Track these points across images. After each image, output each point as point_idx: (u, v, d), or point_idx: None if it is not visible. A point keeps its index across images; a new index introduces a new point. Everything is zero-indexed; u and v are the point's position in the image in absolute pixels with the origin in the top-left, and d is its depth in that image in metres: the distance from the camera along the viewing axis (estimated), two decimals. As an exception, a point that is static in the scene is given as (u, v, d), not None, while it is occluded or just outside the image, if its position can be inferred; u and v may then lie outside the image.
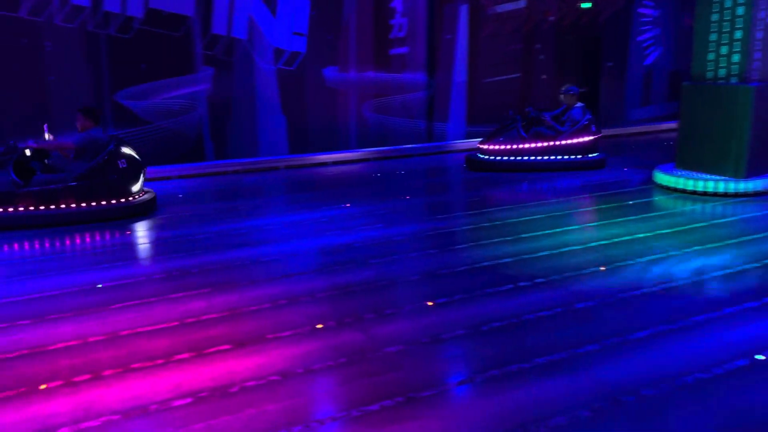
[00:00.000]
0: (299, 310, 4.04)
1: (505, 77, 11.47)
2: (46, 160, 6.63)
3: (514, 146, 8.80)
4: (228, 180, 8.92)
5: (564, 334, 3.60)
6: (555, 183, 7.99)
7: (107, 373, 3.25)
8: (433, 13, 10.79)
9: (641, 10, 12.36)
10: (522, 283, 4.39)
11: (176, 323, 3.85)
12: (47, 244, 5.67)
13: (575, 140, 8.79)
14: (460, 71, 11.13)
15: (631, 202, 6.75)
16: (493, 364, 3.27)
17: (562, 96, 9.01)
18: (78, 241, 5.82)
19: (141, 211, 6.70)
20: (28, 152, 6.45)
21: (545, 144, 8.77)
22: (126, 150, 6.70)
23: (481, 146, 9.09)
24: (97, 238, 5.89)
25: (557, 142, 8.77)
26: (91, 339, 3.65)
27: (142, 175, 6.87)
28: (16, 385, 3.14)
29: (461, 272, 4.68)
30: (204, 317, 3.93)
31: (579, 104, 8.98)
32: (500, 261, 4.89)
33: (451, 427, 2.74)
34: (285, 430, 2.73)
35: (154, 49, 8.95)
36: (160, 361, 3.37)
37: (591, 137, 8.85)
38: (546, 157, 8.81)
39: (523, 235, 5.57)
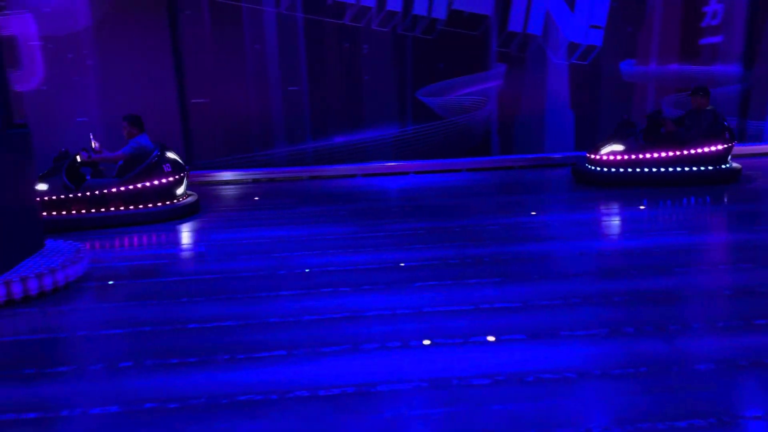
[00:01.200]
0: (593, 310, 3.95)
1: None
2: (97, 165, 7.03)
3: (632, 156, 7.49)
4: (512, 175, 9.06)
5: None
6: None
7: (413, 343, 3.59)
8: (758, -4, 9.48)
9: None
10: None
11: (472, 307, 4.07)
12: (361, 227, 6.44)
13: (706, 149, 7.30)
14: (787, 61, 9.61)
15: None
16: (835, 403, 2.79)
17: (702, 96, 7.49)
18: (380, 227, 6.48)
19: (186, 213, 6.96)
20: (79, 158, 6.85)
21: (670, 153, 7.36)
22: (170, 155, 7.02)
23: (591, 155, 7.84)
24: (399, 225, 6.50)
25: (684, 151, 7.32)
26: (398, 311, 4.06)
27: (185, 179, 7.14)
28: (340, 342, 3.65)
29: (787, 292, 4.08)
30: (498, 305, 4.09)
31: (710, 107, 7.42)
32: (841, 285, 4.13)
33: (778, 464, 2.43)
34: (584, 428, 2.71)
35: (453, 48, 9.48)
36: (459, 340, 3.60)
37: (724, 146, 7.29)
38: (669, 169, 7.41)
39: None
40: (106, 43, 9.16)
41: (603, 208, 6.66)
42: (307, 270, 4.96)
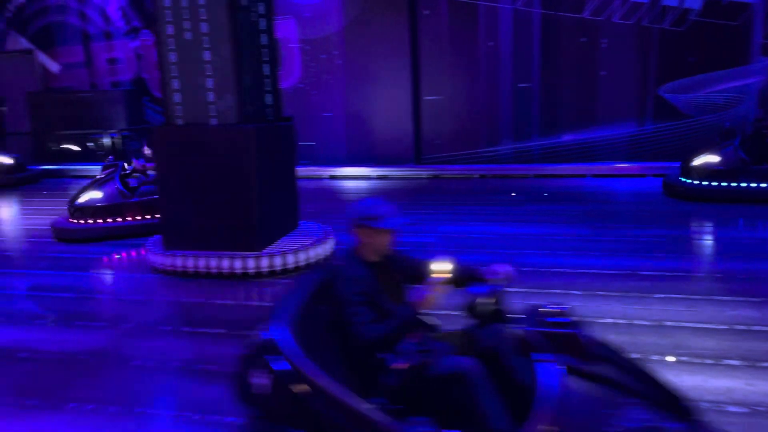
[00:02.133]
0: None
1: None
2: (148, 173, 6.89)
3: (732, 168, 6.40)
4: None
5: None
6: None
7: (654, 357, 3.37)
8: None
9: None
10: None
11: (724, 327, 3.69)
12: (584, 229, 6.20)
13: None
14: None
15: None
16: None
17: None
18: (614, 231, 6.16)
19: None
20: (132, 165, 6.83)
21: None
22: None
23: (684, 166, 6.79)
24: (635, 231, 6.11)
25: None
26: (636, 321, 3.84)
27: None
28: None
29: None
30: (755, 327, 3.66)
31: None
32: None
33: None
34: None
35: (706, 40, 8.61)
36: (708, 361, 3.30)
37: None
38: None
39: None
40: (353, 44, 9.96)
41: None
42: (535, 269, 4.91)
